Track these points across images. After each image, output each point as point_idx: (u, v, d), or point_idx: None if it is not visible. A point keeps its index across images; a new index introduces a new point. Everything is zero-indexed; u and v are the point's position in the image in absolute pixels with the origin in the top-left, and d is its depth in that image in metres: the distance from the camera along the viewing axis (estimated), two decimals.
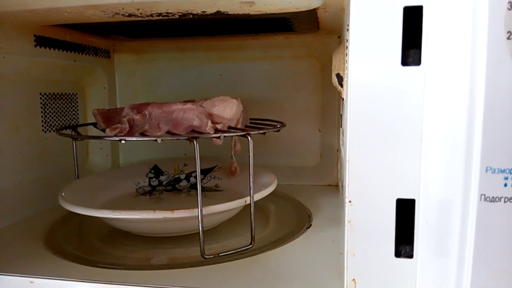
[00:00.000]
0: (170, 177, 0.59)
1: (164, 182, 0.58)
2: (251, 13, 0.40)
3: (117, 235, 0.45)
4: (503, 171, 0.20)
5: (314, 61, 0.66)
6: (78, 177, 0.51)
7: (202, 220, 0.36)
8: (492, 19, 0.20)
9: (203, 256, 0.36)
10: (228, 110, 0.48)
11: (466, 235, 0.22)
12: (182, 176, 0.59)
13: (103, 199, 0.50)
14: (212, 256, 0.37)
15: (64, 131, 0.45)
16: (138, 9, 0.38)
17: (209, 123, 0.44)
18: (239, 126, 0.50)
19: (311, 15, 0.47)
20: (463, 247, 0.22)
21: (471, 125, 0.21)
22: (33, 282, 0.35)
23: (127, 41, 0.70)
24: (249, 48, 0.68)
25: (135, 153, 0.73)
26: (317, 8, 0.43)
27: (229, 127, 0.48)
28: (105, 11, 0.39)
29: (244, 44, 0.68)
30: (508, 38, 0.20)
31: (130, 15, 0.41)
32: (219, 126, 0.45)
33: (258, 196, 0.42)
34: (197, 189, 0.57)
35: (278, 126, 0.48)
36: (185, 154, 0.73)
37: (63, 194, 0.44)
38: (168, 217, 0.36)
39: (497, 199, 0.21)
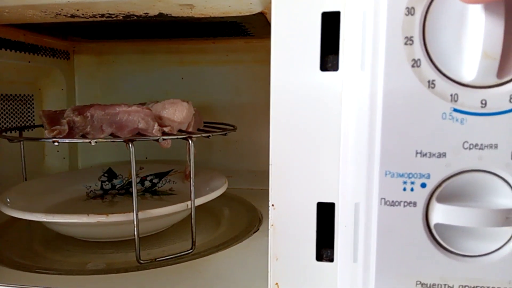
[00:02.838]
0: (124, 181, 0.58)
1: (117, 186, 0.57)
2: (196, 16, 0.40)
3: (61, 239, 0.44)
4: (401, 175, 0.21)
5: None
6: (26, 180, 0.50)
7: (137, 225, 0.35)
8: (390, 24, 0.20)
9: (138, 261, 0.36)
10: (178, 113, 0.47)
11: (370, 239, 0.22)
12: (137, 180, 0.59)
13: (49, 202, 0.49)
14: (148, 261, 0.36)
15: (7, 134, 0.44)
16: (77, 10, 0.38)
17: (156, 126, 0.44)
18: (190, 130, 0.50)
19: (262, 19, 0.47)
20: (368, 251, 0.22)
21: (372, 129, 0.21)
22: None
23: (87, 42, 0.69)
24: (210, 52, 0.68)
25: (94, 156, 0.72)
26: (265, 13, 0.43)
27: (180, 130, 0.48)
28: (45, 11, 0.38)
29: (205, 48, 0.68)
30: (406, 44, 0.20)
31: (72, 16, 0.40)
32: (166, 129, 0.44)
33: (201, 201, 0.41)
34: (152, 193, 0.58)
35: (229, 130, 0.48)
36: (146, 158, 0.72)
37: (7, 198, 0.43)
38: (102, 221, 0.35)
39: (396, 203, 0.21)
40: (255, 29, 0.54)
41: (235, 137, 0.66)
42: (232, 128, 0.49)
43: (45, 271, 0.36)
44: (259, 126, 0.68)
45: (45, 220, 0.36)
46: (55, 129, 0.39)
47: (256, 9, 0.38)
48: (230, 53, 0.68)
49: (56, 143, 0.35)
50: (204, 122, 0.56)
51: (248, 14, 0.40)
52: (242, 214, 0.53)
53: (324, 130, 0.26)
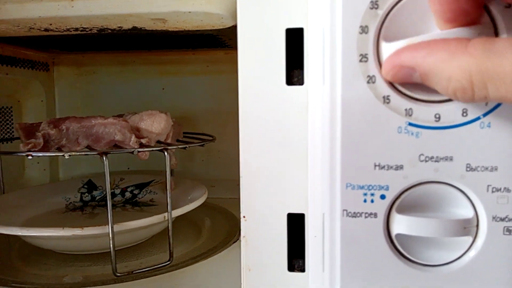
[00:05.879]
0: (104, 192, 0.58)
1: (97, 197, 0.57)
2: (171, 30, 0.41)
3: (39, 252, 0.44)
4: (362, 187, 0.21)
5: None
6: (4, 193, 0.50)
7: (113, 238, 0.35)
8: (345, 42, 0.21)
9: (115, 274, 0.36)
10: (156, 124, 0.48)
11: (335, 250, 0.23)
12: (117, 191, 0.59)
13: (27, 215, 0.48)
14: (125, 273, 0.37)
15: None
16: (50, 24, 0.38)
17: (133, 138, 0.44)
18: (169, 141, 0.50)
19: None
20: (333, 261, 0.23)
21: (333, 143, 0.22)
22: None
23: (66, 54, 0.69)
24: (190, 63, 0.68)
25: (75, 167, 0.71)
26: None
27: (158, 142, 0.48)
28: (18, 26, 0.38)
29: (185, 59, 0.68)
30: (361, 61, 0.21)
31: (46, 30, 0.40)
32: (144, 141, 0.45)
33: (178, 212, 0.41)
34: (132, 204, 0.57)
35: (207, 140, 0.48)
36: (128, 168, 0.72)
37: None
38: (77, 235, 0.35)
39: (358, 215, 0.21)
40: (232, 41, 0.54)
41: (218, 146, 0.66)
42: (211, 139, 0.49)
43: (21, 285, 0.36)
44: None
45: (20, 234, 0.36)
46: (30, 143, 0.38)
47: (229, 23, 0.38)
48: (210, 64, 0.68)
49: (30, 157, 0.35)
50: (184, 133, 0.57)
51: (222, 27, 0.40)
52: (223, 224, 0.54)
53: (292, 142, 0.27)
